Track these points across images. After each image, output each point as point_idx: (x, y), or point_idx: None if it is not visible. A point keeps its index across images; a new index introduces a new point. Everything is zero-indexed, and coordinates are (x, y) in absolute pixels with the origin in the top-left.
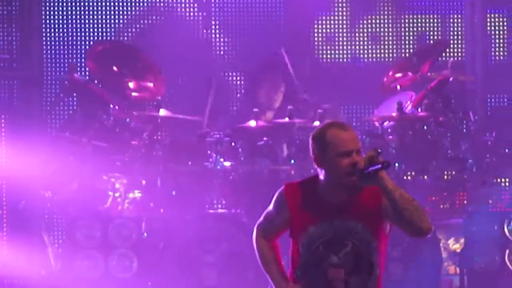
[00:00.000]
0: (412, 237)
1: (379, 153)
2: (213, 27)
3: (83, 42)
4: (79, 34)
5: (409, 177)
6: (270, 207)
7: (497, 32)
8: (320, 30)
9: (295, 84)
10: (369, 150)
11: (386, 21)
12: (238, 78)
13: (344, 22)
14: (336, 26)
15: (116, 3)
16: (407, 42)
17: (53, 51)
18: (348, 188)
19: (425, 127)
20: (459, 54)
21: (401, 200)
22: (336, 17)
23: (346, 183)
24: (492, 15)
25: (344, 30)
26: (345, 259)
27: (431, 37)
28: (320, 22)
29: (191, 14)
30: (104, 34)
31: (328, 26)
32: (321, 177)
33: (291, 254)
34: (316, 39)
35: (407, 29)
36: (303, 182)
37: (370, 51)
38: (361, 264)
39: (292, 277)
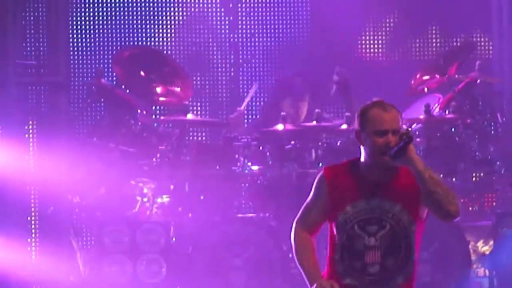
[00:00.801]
0: (441, 220)
1: (408, 131)
2: (240, 31)
3: (110, 47)
4: (106, 39)
5: None
6: (310, 195)
7: None
8: (346, 33)
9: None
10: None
11: (413, 22)
12: (265, 82)
13: (371, 23)
14: (363, 28)
15: (143, 8)
16: (434, 44)
17: (80, 57)
18: (387, 168)
19: (453, 129)
20: (487, 55)
21: (431, 181)
22: (362, 19)
23: (380, 163)
24: None
25: (371, 32)
26: (382, 241)
27: (459, 39)
28: (346, 25)
29: (218, 18)
30: (131, 39)
31: (354, 28)
32: (362, 156)
33: (329, 240)
34: (342, 42)
35: (434, 31)
36: (343, 163)
37: (397, 53)
38: (398, 247)
39: (329, 264)
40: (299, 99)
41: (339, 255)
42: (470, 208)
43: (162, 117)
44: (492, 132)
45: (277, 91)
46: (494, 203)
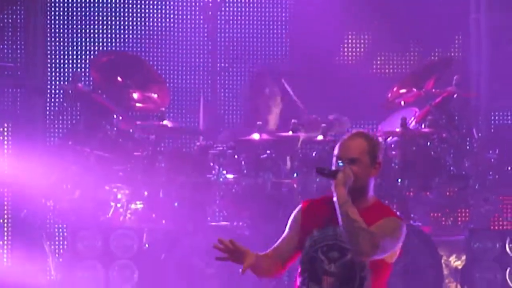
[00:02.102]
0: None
1: (345, 166)
2: (218, 40)
3: (87, 52)
4: (84, 43)
5: (411, 193)
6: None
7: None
8: (324, 45)
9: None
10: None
11: (391, 36)
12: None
13: (349, 36)
14: (341, 40)
15: (122, 13)
16: (412, 57)
17: (57, 60)
18: (360, 200)
19: (428, 143)
20: (465, 70)
21: (345, 218)
22: (341, 31)
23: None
24: (497, 31)
25: (349, 44)
26: (340, 269)
27: (436, 53)
28: (324, 37)
29: (197, 26)
30: (109, 44)
31: (332, 41)
32: None
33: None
34: (321, 53)
35: (412, 44)
36: (322, 196)
37: (374, 66)
38: (353, 278)
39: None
40: (271, 97)
41: (302, 279)
42: (444, 223)
43: (138, 122)
44: (468, 147)
45: (249, 89)
46: (467, 218)
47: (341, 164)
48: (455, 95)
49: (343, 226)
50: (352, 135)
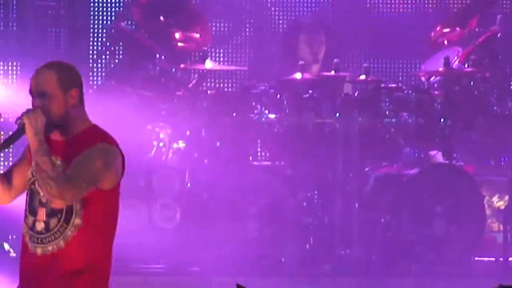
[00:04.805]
0: None
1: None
2: None
3: None
4: None
5: (454, 133)
6: None
7: None
8: None
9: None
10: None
11: None
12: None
13: None
14: None
15: None
16: None
17: (100, 0)
18: (62, 132)
19: (471, 83)
20: (509, 9)
21: (36, 168)
22: None
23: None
24: None
25: None
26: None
27: None
28: None
29: None
30: None
31: None
32: None
33: None
34: None
35: None
36: None
37: (417, 5)
38: (61, 208)
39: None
40: (314, 38)
41: (24, 212)
42: (487, 163)
43: (181, 65)
44: (511, 87)
45: (291, 31)
46: (511, 159)
47: (19, 119)
48: (499, 35)
49: (37, 175)
50: (41, 68)
